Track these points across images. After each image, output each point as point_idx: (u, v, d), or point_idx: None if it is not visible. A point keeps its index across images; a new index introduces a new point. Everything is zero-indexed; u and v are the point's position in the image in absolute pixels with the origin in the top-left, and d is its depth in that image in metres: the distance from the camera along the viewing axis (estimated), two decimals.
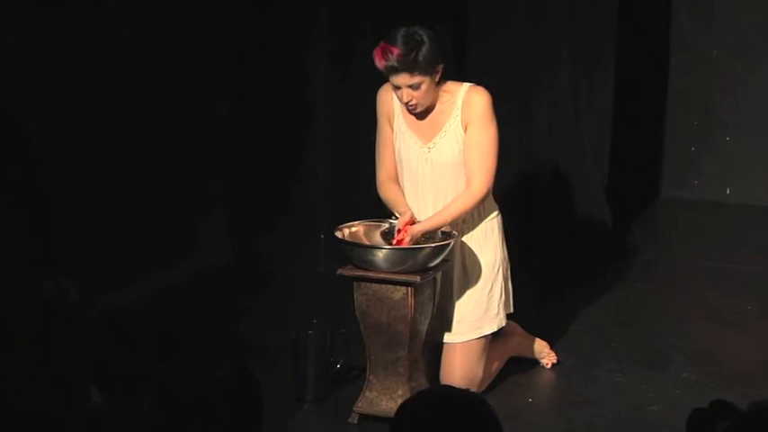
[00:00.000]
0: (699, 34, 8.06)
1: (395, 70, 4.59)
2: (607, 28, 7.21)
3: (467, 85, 4.77)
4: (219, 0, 6.41)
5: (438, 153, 4.76)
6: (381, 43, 4.60)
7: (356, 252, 4.58)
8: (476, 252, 4.86)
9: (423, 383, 4.68)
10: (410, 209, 4.68)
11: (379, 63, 4.60)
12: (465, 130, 4.72)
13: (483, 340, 4.88)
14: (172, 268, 6.18)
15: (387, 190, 4.81)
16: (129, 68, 5.76)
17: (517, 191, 6.86)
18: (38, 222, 4.89)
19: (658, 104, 8.22)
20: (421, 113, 4.76)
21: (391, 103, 4.80)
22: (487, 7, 6.83)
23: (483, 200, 4.73)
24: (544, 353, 5.29)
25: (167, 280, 6.09)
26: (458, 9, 6.79)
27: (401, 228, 4.59)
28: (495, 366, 5.04)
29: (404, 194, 4.79)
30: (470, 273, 4.86)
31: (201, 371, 2.76)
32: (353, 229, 4.74)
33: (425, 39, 4.58)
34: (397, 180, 4.84)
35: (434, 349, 4.89)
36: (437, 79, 4.68)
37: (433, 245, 4.56)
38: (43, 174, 4.93)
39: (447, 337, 4.87)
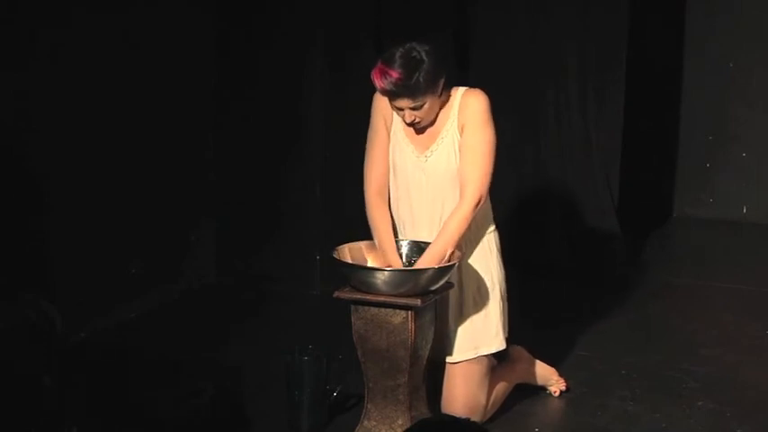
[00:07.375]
0: (714, 44, 8.02)
1: (395, 94, 4.43)
2: (618, 38, 7.16)
3: (463, 88, 4.61)
4: (210, 8, 6.35)
5: (435, 163, 4.60)
6: (379, 64, 4.42)
7: (355, 274, 4.44)
8: (472, 267, 4.71)
9: (424, 412, 4.55)
10: (398, 258, 4.57)
11: (378, 85, 4.43)
12: (461, 134, 4.56)
13: (484, 364, 4.74)
14: (160, 289, 6.12)
15: (376, 218, 4.65)
16: (116, 79, 5.68)
17: (525, 209, 6.83)
18: (20, 244, 4.94)
19: (671, 118, 8.18)
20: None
21: (389, 107, 4.60)
22: (491, 15, 6.83)
23: (478, 208, 4.55)
24: (552, 380, 5.17)
25: (155, 301, 6.03)
26: (460, 18, 6.79)
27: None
28: (500, 394, 4.90)
29: (391, 234, 4.63)
30: (467, 289, 4.72)
31: (183, 398, 2.67)
32: (352, 249, 4.60)
33: (424, 56, 4.40)
34: (386, 196, 4.69)
35: (435, 376, 4.76)
36: (439, 93, 4.51)
37: (436, 266, 4.42)
38: (25, 193, 4.97)
39: (443, 357, 4.73)
